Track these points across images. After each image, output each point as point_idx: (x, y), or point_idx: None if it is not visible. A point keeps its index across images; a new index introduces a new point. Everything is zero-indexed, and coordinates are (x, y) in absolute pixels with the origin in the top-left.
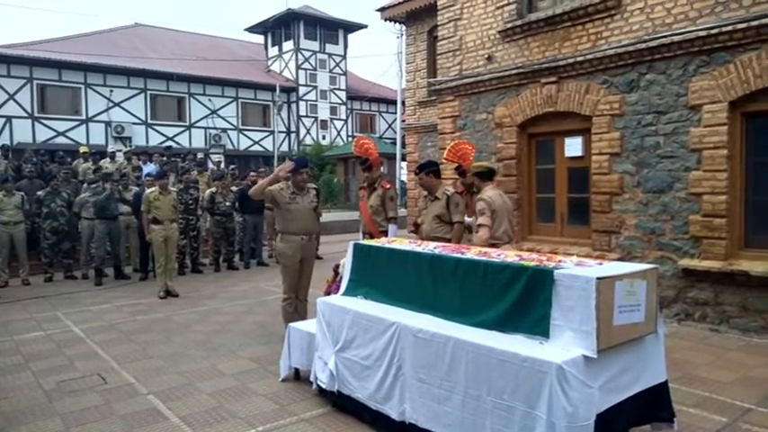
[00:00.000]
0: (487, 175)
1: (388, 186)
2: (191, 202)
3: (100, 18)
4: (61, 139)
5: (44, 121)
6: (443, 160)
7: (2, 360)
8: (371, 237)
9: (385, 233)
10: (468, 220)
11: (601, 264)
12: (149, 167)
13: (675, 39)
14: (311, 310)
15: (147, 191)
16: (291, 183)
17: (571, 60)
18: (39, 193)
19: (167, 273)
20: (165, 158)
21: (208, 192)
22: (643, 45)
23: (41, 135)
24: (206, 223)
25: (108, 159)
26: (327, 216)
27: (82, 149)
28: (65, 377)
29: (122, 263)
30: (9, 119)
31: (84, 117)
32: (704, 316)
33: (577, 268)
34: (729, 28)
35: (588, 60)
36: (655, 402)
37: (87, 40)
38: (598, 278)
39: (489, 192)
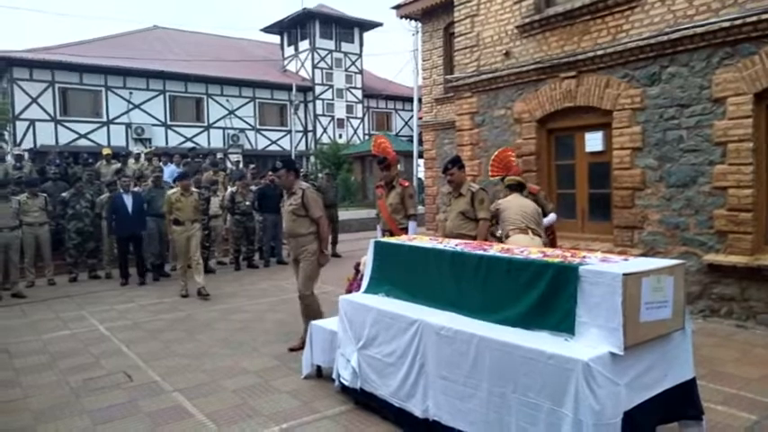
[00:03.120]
0: (516, 187)
1: (406, 184)
2: (202, 202)
3: (119, 21)
4: (83, 142)
5: (66, 124)
6: (490, 176)
7: (30, 358)
8: (392, 234)
9: (405, 230)
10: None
11: (626, 260)
12: (170, 168)
13: (698, 30)
14: (332, 307)
15: (170, 192)
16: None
17: (591, 54)
18: (63, 194)
19: (196, 270)
20: (188, 159)
21: (228, 191)
22: (665, 37)
23: (64, 138)
24: (226, 223)
25: (132, 160)
26: (345, 214)
27: (105, 151)
28: (91, 375)
29: (165, 261)
30: (32, 122)
31: (105, 119)
32: (730, 312)
33: (603, 264)
34: (754, 18)
35: (608, 54)
36: (682, 400)
37: (107, 44)
38: (624, 274)
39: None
